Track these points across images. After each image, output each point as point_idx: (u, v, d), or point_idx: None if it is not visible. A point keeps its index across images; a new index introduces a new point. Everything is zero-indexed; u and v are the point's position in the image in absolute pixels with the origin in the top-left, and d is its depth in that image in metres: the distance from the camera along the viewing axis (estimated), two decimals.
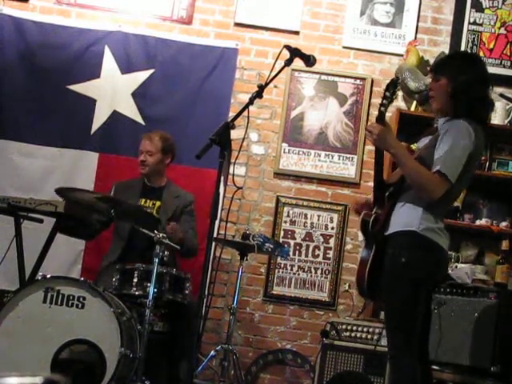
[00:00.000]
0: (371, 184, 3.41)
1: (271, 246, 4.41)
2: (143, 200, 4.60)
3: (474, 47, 5.20)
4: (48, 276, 3.83)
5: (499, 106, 5.01)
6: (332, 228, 5.14)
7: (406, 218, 3.09)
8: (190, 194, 4.72)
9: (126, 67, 5.23)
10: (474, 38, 5.21)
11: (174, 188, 4.71)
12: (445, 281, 4.16)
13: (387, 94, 3.15)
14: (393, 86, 3.17)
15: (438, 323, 3.93)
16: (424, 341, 3.22)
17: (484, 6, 5.24)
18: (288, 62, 3.13)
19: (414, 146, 4.26)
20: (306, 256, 5.14)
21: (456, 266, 4.68)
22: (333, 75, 5.23)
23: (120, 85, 5.22)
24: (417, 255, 3.05)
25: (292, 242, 5.14)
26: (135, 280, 3.99)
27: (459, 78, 3.12)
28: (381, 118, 3.16)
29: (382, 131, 3.10)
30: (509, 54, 5.21)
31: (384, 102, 3.15)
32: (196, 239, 4.62)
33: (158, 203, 4.60)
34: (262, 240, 4.34)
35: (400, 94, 5.16)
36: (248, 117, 3.07)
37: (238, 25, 5.30)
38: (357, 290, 3.33)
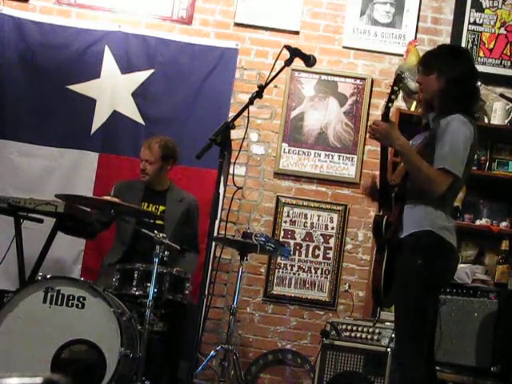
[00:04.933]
0: None
1: (273, 246, 4.41)
2: (146, 204, 4.58)
3: (474, 47, 5.20)
4: (48, 276, 3.83)
5: (499, 105, 5.01)
6: (332, 228, 5.14)
7: (419, 218, 3.08)
8: (194, 197, 4.70)
9: (126, 67, 5.23)
10: (473, 38, 5.21)
11: (177, 191, 4.68)
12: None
13: (395, 88, 3.14)
14: (399, 81, 3.17)
15: (438, 323, 3.93)
16: (430, 341, 3.22)
17: (484, 6, 5.24)
18: (288, 62, 3.13)
19: None
20: (306, 256, 5.14)
21: None
22: (333, 75, 5.23)
23: (120, 85, 5.22)
24: (432, 256, 3.04)
25: (292, 242, 5.14)
26: (135, 280, 3.99)
27: (449, 74, 3.13)
28: (386, 114, 3.15)
29: (387, 128, 3.09)
30: (509, 54, 5.21)
31: (392, 97, 3.14)
32: (196, 259, 4.59)
33: (161, 207, 4.58)
34: (263, 239, 4.34)
35: (400, 93, 5.16)
36: (248, 117, 3.07)
37: (238, 25, 5.30)
38: (373, 298, 3.30)
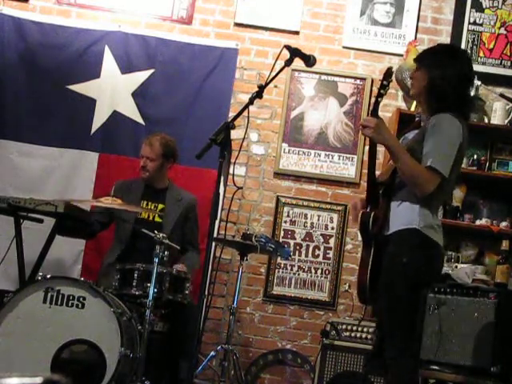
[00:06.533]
0: None
1: (273, 247, 4.41)
2: (145, 202, 4.58)
3: (474, 47, 5.20)
4: (48, 276, 3.83)
5: (499, 105, 5.01)
6: (332, 228, 5.14)
7: (405, 216, 3.08)
8: (193, 196, 4.70)
9: (126, 67, 5.23)
10: (473, 38, 5.21)
11: (177, 190, 4.68)
12: (444, 280, 4.16)
13: (385, 82, 3.14)
14: (389, 76, 3.16)
15: (438, 323, 3.93)
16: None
17: (484, 6, 5.24)
18: (288, 62, 3.13)
19: None
20: (306, 256, 5.14)
21: (456, 266, 4.68)
22: (333, 75, 5.23)
23: (120, 85, 5.22)
24: (417, 255, 3.05)
25: (292, 242, 5.14)
26: (135, 280, 3.99)
27: (435, 72, 3.13)
28: (375, 110, 3.14)
29: (379, 124, 3.08)
30: (509, 53, 5.21)
31: (381, 91, 3.13)
32: (198, 257, 4.59)
33: (160, 206, 4.59)
34: (264, 240, 4.34)
35: (400, 93, 5.17)
36: (248, 117, 3.07)
37: (238, 25, 5.30)
38: (357, 296, 3.29)
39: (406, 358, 3.05)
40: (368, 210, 3.20)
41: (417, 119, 3.28)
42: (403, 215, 3.09)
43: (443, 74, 3.12)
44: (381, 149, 4.25)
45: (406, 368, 3.05)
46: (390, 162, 3.29)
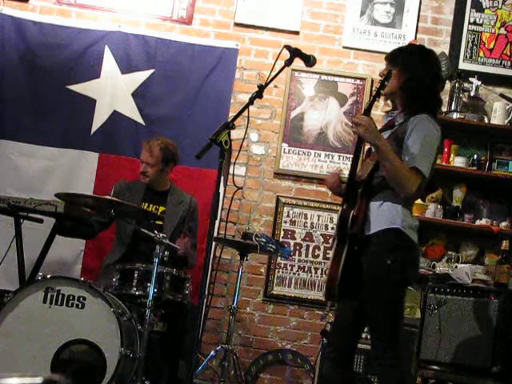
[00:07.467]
0: None
1: (273, 247, 4.41)
2: (146, 204, 4.57)
3: (474, 47, 5.20)
4: (48, 276, 3.82)
5: (499, 105, 5.01)
6: (332, 228, 5.14)
7: (387, 216, 3.08)
8: (193, 198, 4.70)
9: (126, 67, 5.23)
10: (473, 38, 5.21)
11: (178, 192, 4.67)
12: (444, 280, 4.17)
13: (386, 83, 3.14)
14: (390, 77, 3.16)
15: (438, 323, 3.93)
16: None
17: (484, 6, 5.24)
18: (288, 62, 3.13)
19: None
20: (306, 256, 5.14)
21: (456, 266, 4.68)
22: (333, 75, 5.23)
23: (120, 85, 5.22)
24: (400, 256, 3.05)
25: (292, 242, 5.14)
26: (135, 280, 3.99)
27: (412, 72, 3.15)
28: (370, 109, 3.15)
29: (370, 122, 3.08)
30: (509, 54, 5.21)
31: (381, 91, 3.13)
32: (195, 257, 4.60)
33: (161, 208, 4.58)
34: (264, 240, 4.34)
35: None
36: (248, 117, 3.07)
37: (238, 25, 5.30)
38: (324, 292, 3.24)
39: (392, 358, 3.05)
40: (345, 208, 3.18)
41: (389, 119, 3.29)
42: (385, 215, 3.08)
43: (418, 75, 3.14)
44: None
45: (393, 368, 3.05)
46: (367, 161, 3.29)
